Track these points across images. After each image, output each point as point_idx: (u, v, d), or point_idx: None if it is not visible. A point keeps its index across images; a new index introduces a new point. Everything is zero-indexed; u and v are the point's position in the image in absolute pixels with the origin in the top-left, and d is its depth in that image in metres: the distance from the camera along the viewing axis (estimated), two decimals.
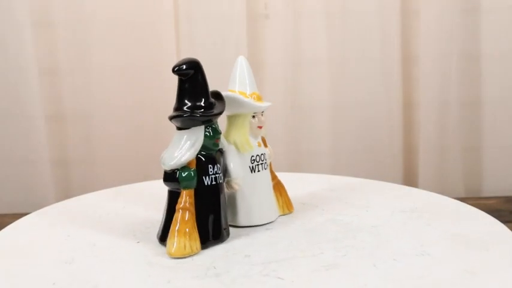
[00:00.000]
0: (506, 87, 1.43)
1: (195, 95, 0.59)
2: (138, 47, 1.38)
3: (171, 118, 0.60)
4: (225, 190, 0.63)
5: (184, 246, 0.57)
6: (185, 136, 0.60)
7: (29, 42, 1.34)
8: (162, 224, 0.60)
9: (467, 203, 0.72)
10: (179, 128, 0.60)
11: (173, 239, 0.57)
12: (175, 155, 0.59)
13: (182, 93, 0.59)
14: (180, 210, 0.58)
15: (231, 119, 0.65)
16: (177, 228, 0.57)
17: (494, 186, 1.46)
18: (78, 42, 1.37)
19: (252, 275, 0.53)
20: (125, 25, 1.37)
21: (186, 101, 0.59)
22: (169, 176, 0.59)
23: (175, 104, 0.60)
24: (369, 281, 0.51)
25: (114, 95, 1.39)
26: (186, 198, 0.58)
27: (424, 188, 1.23)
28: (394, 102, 1.42)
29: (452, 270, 0.54)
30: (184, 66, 0.58)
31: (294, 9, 1.38)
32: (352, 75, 1.41)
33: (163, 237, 0.59)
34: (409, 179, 1.47)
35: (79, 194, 0.81)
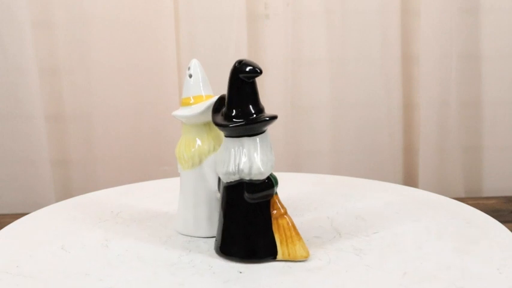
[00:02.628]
0: (506, 87, 1.43)
1: (256, 98, 0.56)
2: (138, 47, 1.38)
3: (252, 123, 0.55)
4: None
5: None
6: (265, 140, 0.56)
7: (29, 42, 1.34)
8: (225, 235, 0.57)
9: (467, 203, 0.72)
10: (251, 134, 0.56)
11: (298, 242, 0.56)
12: (267, 160, 0.56)
13: (248, 97, 0.56)
14: (285, 216, 0.56)
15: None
16: (295, 232, 0.56)
17: (494, 186, 1.46)
18: (78, 42, 1.37)
19: (389, 245, 0.58)
20: (125, 25, 1.37)
21: (253, 105, 0.56)
22: (267, 184, 0.55)
23: (237, 110, 0.55)
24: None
25: (114, 95, 1.39)
26: (280, 202, 0.57)
27: (424, 188, 1.23)
28: (394, 103, 1.42)
29: (452, 270, 0.54)
30: (259, 70, 0.55)
31: (294, 9, 1.38)
32: (352, 75, 1.41)
33: (228, 250, 0.57)
34: (409, 179, 1.47)
35: (79, 194, 0.81)
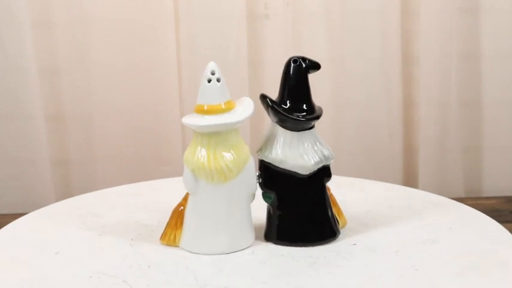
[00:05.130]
0: (506, 87, 1.43)
1: None
2: (138, 47, 1.38)
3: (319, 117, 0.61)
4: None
5: None
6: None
7: (29, 42, 1.34)
8: (314, 223, 0.61)
9: (467, 203, 0.72)
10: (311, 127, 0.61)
11: (342, 214, 0.65)
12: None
13: (309, 91, 0.61)
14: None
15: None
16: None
17: (494, 186, 1.46)
18: (78, 42, 1.37)
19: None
20: (125, 25, 1.37)
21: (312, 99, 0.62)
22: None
23: (310, 103, 0.61)
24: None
25: (114, 95, 1.39)
26: None
27: (424, 188, 1.23)
28: (394, 102, 1.41)
29: (451, 270, 0.54)
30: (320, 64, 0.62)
31: (294, 9, 1.38)
32: (352, 75, 1.41)
33: (320, 236, 0.61)
34: (409, 179, 1.47)
35: (79, 194, 0.81)
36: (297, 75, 0.60)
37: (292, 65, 0.61)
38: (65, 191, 1.41)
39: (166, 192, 0.77)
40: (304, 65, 0.61)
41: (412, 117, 1.45)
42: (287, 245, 0.61)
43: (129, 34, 1.37)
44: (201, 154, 0.59)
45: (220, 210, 0.60)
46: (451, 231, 0.63)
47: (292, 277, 0.54)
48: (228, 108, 0.59)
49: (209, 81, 0.60)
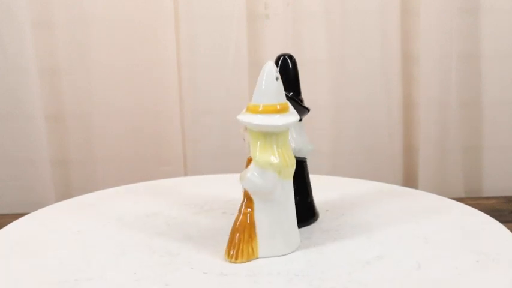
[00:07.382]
0: (506, 87, 1.43)
1: None
2: (138, 47, 1.38)
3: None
4: None
5: None
6: None
7: (29, 42, 1.34)
8: (312, 203, 0.67)
9: (467, 203, 0.72)
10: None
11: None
12: None
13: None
14: None
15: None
16: None
17: (494, 186, 1.46)
18: (78, 42, 1.37)
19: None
20: (125, 25, 1.37)
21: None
22: None
23: (299, 94, 0.65)
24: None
25: (114, 95, 1.39)
26: None
27: (424, 188, 1.23)
28: (394, 102, 1.41)
29: (451, 270, 0.54)
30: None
31: (294, 9, 1.38)
32: (352, 75, 1.41)
33: (298, 220, 0.63)
34: (409, 180, 1.47)
35: (79, 194, 0.81)
36: (293, 69, 0.65)
37: (288, 60, 0.66)
38: (65, 191, 1.41)
39: (166, 192, 0.77)
40: (295, 61, 0.66)
41: (412, 117, 1.45)
42: (300, 227, 0.62)
43: (129, 34, 1.37)
44: (278, 153, 0.57)
45: (289, 205, 0.59)
46: (451, 231, 0.63)
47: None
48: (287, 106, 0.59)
49: (277, 79, 0.59)
